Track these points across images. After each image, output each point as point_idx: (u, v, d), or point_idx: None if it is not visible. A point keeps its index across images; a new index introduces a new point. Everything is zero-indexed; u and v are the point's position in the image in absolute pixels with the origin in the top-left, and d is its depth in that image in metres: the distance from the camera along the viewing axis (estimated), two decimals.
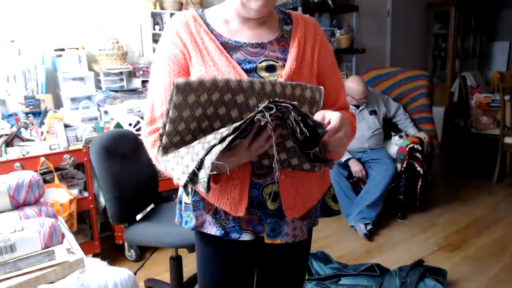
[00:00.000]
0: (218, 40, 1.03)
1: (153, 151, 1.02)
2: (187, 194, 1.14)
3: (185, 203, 1.15)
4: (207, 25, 1.05)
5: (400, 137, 3.14)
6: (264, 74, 1.02)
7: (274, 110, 0.81)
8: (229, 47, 1.03)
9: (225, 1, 1.08)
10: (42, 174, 2.21)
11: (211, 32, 1.04)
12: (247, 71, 1.00)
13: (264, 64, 1.02)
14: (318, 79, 1.09)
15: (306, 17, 1.14)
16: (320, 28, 1.14)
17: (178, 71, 1.03)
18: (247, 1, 0.99)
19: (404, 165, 2.98)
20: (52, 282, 0.91)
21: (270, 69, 1.03)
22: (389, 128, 3.27)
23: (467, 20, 5.46)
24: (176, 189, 2.74)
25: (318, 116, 0.92)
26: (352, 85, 2.97)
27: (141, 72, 2.92)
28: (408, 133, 3.20)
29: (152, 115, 1.04)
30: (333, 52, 1.17)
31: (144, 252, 2.52)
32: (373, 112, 3.12)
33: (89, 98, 2.69)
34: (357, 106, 3.07)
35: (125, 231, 1.84)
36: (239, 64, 1.01)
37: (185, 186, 0.85)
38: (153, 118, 1.04)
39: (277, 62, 1.04)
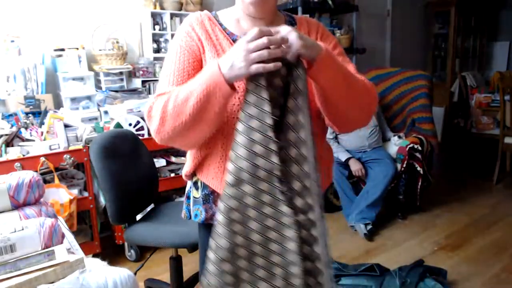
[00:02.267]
0: (231, 38, 1.10)
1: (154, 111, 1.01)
2: (197, 189, 1.16)
3: (194, 197, 1.18)
4: (221, 24, 1.12)
5: (399, 137, 3.15)
6: None
7: None
8: None
9: (236, 3, 1.14)
10: (42, 174, 2.21)
11: (225, 31, 1.11)
12: None
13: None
14: None
15: (309, 18, 1.22)
16: (322, 25, 1.20)
17: (192, 61, 1.07)
18: None
19: (404, 165, 2.98)
20: (52, 282, 0.91)
21: None
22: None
23: (467, 20, 5.46)
24: (176, 189, 2.76)
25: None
26: None
27: (141, 72, 2.92)
28: (387, 137, 3.24)
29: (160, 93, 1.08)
30: (337, 41, 1.18)
31: (144, 252, 2.52)
32: None
33: (89, 98, 2.69)
34: None
35: (125, 231, 1.84)
36: None
37: None
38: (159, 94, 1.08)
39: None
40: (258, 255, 0.89)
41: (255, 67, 0.87)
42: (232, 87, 0.91)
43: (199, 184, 1.15)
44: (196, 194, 1.16)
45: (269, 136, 0.84)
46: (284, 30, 0.90)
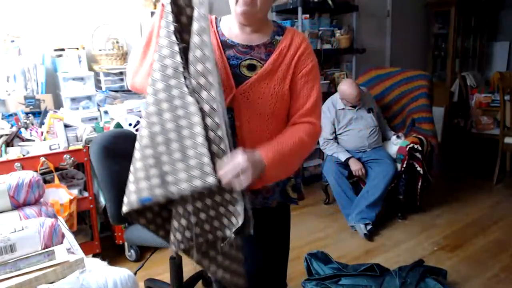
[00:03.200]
0: (220, 38, 1.26)
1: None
2: None
3: None
4: (217, 26, 1.29)
5: (398, 137, 3.15)
6: (244, 71, 1.23)
7: None
8: (226, 45, 1.26)
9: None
10: (42, 174, 2.21)
11: (218, 33, 1.27)
12: (232, 66, 1.22)
13: (247, 62, 1.23)
14: (290, 83, 1.26)
15: (297, 31, 1.32)
16: (307, 42, 1.30)
17: None
18: (235, 6, 1.20)
19: (404, 165, 2.98)
20: (52, 282, 0.91)
21: (251, 67, 1.23)
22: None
23: (467, 20, 5.45)
24: None
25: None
26: (346, 89, 3.01)
27: None
28: (388, 136, 3.25)
29: None
30: (315, 65, 1.29)
31: (144, 252, 2.52)
32: (370, 110, 3.13)
33: (89, 98, 2.69)
34: (354, 106, 3.08)
35: (125, 231, 1.84)
36: (228, 59, 1.23)
37: None
38: None
39: (260, 63, 1.24)
40: (173, 141, 1.03)
41: None
42: None
43: None
44: None
45: (173, 40, 1.01)
46: (238, 161, 1.05)
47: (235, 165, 1.04)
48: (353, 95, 2.98)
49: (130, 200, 1.06)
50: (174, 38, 1.01)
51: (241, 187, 1.06)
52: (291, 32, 1.29)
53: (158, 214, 1.17)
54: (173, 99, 1.02)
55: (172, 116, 1.02)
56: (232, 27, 1.27)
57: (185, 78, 1.01)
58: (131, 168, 1.07)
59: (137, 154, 1.06)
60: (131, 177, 1.07)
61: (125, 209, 1.08)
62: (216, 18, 1.32)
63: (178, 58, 1.01)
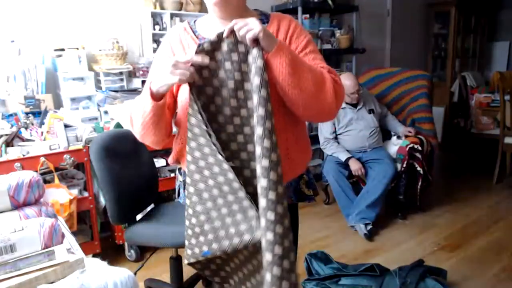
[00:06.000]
0: (201, 41, 1.19)
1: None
2: (181, 174, 1.36)
3: (180, 181, 1.37)
4: (194, 32, 1.25)
5: (398, 137, 3.15)
6: None
7: None
8: None
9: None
10: (42, 174, 2.21)
11: (197, 38, 1.23)
12: None
13: None
14: None
15: (282, 15, 1.26)
16: (295, 22, 1.25)
17: None
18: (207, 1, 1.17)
19: (404, 165, 2.98)
20: (52, 282, 0.91)
21: None
22: (386, 129, 3.30)
23: (467, 20, 5.46)
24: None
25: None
26: (344, 80, 3.01)
27: (141, 72, 2.92)
28: (397, 131, 3.24)
29: None
30: (310, 40, 1.24)
31: (144, 252, 2.52)
32: (371, 111, 3.13)
33: (89, 98, 2.69)
34: (355, 106, 3.08)
35: (125, 231, 1.84)
36: None
37: None
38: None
39: None
40: (218, 197, 1.07)
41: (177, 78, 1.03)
42: (160, 98, 1.14)
43: (182, 170, 1.34)
44: (181, 178, 1.36)
45: (206, 130, 1.06)
46: (250, 19, 1.02)
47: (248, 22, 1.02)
48: (351, 85, 2.98)
49: (194, 253, 1.12)
50: (204, 127, 1.06)
51: (247, 34, 1.01)
52: (277, 17, 1.23)
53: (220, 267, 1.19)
54: (207, 157, 1.07)
55: (211, 173, 1.06)
56: (212, 26, 1.21)
57: (209, 135, 1.05)
58: (187, 223, 1.12)
59: (189, 210, 1.11)
60: (189, 232, 1.12)
61: (191, 260, 1.13)
62: (189, 24, 1.26)
63: (213, 138, 1.06)
